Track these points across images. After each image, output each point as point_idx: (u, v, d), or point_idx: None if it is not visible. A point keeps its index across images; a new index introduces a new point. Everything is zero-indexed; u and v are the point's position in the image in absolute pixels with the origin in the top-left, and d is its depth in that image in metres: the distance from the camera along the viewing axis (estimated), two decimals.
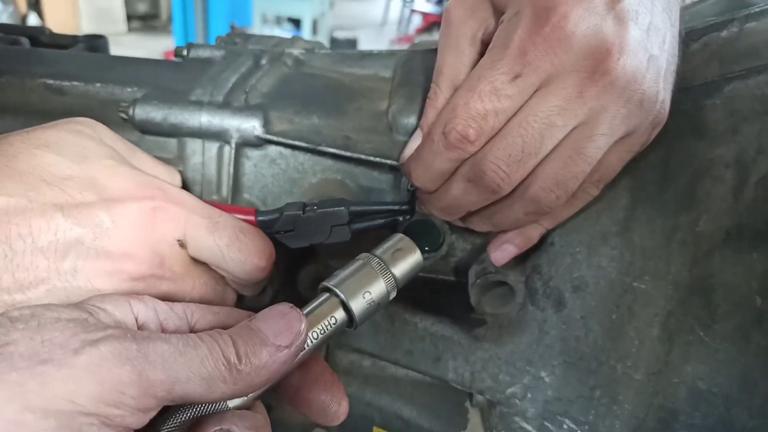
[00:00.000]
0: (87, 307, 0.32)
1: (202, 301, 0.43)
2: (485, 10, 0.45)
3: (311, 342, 0.36)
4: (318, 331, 0.37)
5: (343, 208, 0.48)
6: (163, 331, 0.35)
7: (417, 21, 7.25)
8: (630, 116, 0.40)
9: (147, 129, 0.54)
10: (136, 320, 0.34)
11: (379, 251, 0.41)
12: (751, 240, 0.45)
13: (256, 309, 0.36)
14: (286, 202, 0.56)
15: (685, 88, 0.47)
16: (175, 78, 0.57)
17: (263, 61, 0.61)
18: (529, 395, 0.50)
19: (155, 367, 0.29)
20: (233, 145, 0.54)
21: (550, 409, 0.49)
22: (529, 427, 0.50)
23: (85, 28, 6.08)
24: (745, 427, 0.46)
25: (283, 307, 0.34)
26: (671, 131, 0.45)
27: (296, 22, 5.74)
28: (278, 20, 5.91)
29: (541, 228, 0.48)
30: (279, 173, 0.56)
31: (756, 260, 0.45)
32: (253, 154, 0.55)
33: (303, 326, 0.34)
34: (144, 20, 6.72)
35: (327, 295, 0.39)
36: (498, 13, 0.44)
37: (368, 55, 0.61)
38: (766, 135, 0.46)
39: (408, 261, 0.41)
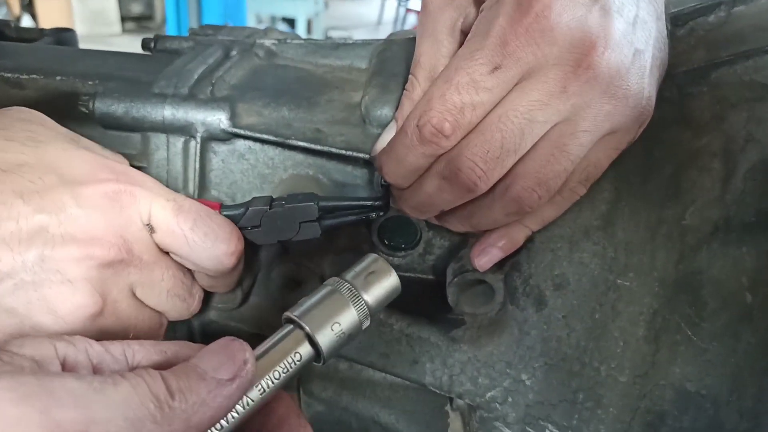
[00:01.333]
0: (9, 351, 0.27)
1: (168, 295, 0.41)
2: None
3: (273, 381, 0.32)
4: (280, 370, 0.32)
5: (312, 203, 0.46)
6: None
7: (412, 20, 7.24)
8: (614, 113, 0.38)
9: (108, 123, 0.52)
10: (63, 364, 0.28)
11: (349, 275, 0.37)
12: (740, 233, 0.43)
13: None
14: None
15: (669, 74, 0.45)
16: (140, 70, 0.55)
17: (233, 53, 0.58)
18: (509, 399, 0.47)
19: (63, 405, 0.24)
20: (199, 140, 0.51)
21: (532, 414, 0.47)
22: None
23: (79, 29, 6.03)
24: (735, 430, 0.44)
25: (225, 340, 0.31)
26: (655, 120, 0.43)
27: (291, 22, 5.72)
28: (273, 20, 5.89)
29: (526, 230, 0.46)
30: (248, 168, 0.53)
31: (745, 254, 0.43)
32: (221, 148, 0.53)
33: (247, 356, 0.30)
34: (138, 21, 6.69)
35: (291, 327, 0.34)
36: (478, 1, 0.41)
37: (343, 45, 0.59)
38: (755, 122, 0.44)
39: (383, 285, 0.37)
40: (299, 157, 0.53)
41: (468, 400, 0.49)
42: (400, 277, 0.54)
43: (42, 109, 0.54)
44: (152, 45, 0.61)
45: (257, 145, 0.53)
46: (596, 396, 0.45)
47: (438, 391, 0.50)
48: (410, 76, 0.44)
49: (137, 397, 0.26)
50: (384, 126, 0.47)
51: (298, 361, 0.33)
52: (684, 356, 0.44)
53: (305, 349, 0.34)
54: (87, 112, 0.51)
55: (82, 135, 0.54)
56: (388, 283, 0.38)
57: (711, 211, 0.43)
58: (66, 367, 0.29)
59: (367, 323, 0.36)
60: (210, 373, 0.29)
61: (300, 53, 0.60)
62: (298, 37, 0.62)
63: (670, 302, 0.44)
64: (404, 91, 0.44)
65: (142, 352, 0.32)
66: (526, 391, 0.47)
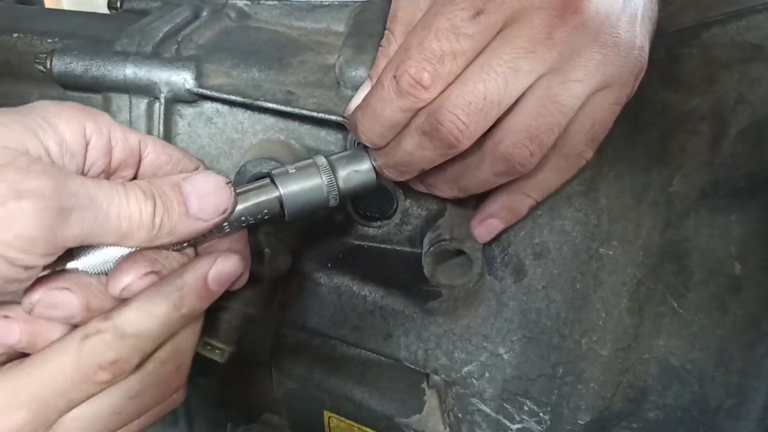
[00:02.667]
0: (35, 122, 0.31)
1: None
2: None
3: (239, 226, 0.38)
4: (248, 216, 0.38)
5: None
6: (112, 159, 0.35)
7: None
8: (605, 62, 0.36)
9: (67, 83, 0.49)
10: (87, 145, 0.33)
11: (333, 156, 0.41)
12: (729, 199, 0.41)
13: None
14: (224, 164, 0.52)
15: (658, 35, 0.42)
16: (103, 29, 0.52)
17: (203, 13, 0.55)
18: (486, 374, 0.45)
19: (72, 227, 0.29)
20: (163, 101, 0.48)
21: (510, 389, 0.45)
22: (487, 409, 0.46)
23: None
24: (720, 406, 0.42)
25: (220, 181, 0.35)
26: (642, 82, 0.41)
27: None
28: None
29: (529, 200, 0.43)
30: (216, 133, 0.51)
31: (734, 222, 0.41)
32: (187, 111, 0.50)
33: (230, 206, 0.35)
34: None
35: (267, 181, 0.39)
36: None
37: (319, 8, 0.56)
38: (747, 83, 0.41)
39: (358, 175, 0.41)
40: (270, 120, 0.50)
41: (444, 376, 0.47)
42: (375, 248, 0.52)
43: None
44: (118, 5, 0.58)
45: (225, 108, 0.50)
46: (577, 370, 0.43)
47: (413, 367, 0.48)
48: (386, 31, 0.41)
49: (131, 222, 0.31)
50: (358, 87, 0.44)
51: (265, 214, 0.38)
52: (669, 329, 0.42)
53: (273, 206, 0.39)
54: (45, 71, 0.48)
55: (41, 96, 0.52)
56: (363, 174, 0.41)
57: (699, 177, 0.41)
58: (88, 148, 0.33)
59: (334, 203, 0.40)
60: (193, 210, 0.34)
61: (274, 15, 0.57)
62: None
63: (654, 272, 0.42)
64: (379, 47, 0.42)
65: (152, 146, 0.37)
66: (504, 365, 0.45)
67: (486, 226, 0.43)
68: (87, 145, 0.33)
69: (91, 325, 0.32)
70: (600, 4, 0.34)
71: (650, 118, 0.43)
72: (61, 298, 0.32)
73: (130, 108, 0.49)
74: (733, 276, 0.41)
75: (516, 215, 0.44)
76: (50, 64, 0.48)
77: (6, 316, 0.32)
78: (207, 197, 0.34)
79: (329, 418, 0.55)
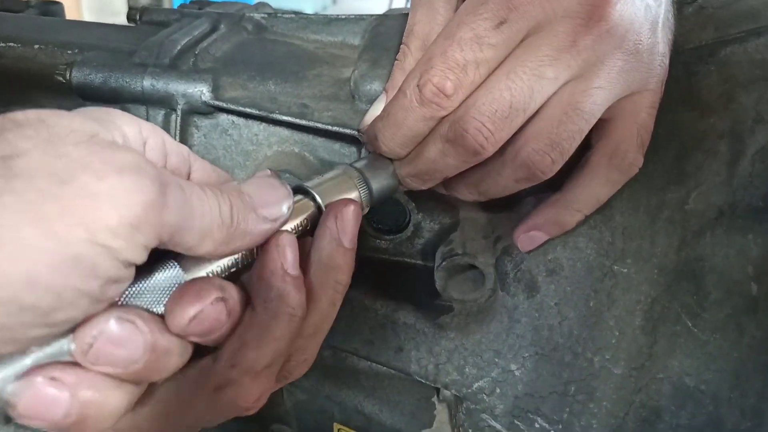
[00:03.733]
0: (96, 115, 0.29)
1: None
2: None
3: None
4: (290, 229, 0.35)
5: None
6: (167, 163, 0.33)
7: None
8: (628, 69, 0.36)
9: (86, 94, 0.50)
10: (145, 144, 0.31)
11: (357, 164, 0.40)
12: (746, 219, 0.40)
13: None
14: (239, 175, 0.52)
15: (676, 52, 0.42)
16: (122, 41, 0.53)
17: (221, 26, 0.56)
18: (497, 390, 0.45)
19: (171, 212, 0.26)
20: (179, 112, 0.49)
21: (521, 406, 0.45)
22: (498, 426, 0.46)
23: (86, 18, 6.05)
24: (736, 428, 0.42)
25: (273, 181, 0.33)
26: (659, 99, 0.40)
27: None
28: None
29: (579, 214, 0.42)
30: (231, 145, 0.51)
31: (751, 242, 0.41)
32: (203, 123, 0.51)
33: (290, 204, 0.33)
34: None
35: (301, 196, 0.38)
36: None
37: (335, 21, 0.57)
38: (765, 102, 0.41)
39: (384, 182, 0.41)
40: (284, 133, 0.50)
41: (454, 391, 0.47)
42: (387, 261, 0.52)
43: (18, 78, 0.52)
44: (137, 17, 0.59)
45: (241, 120, 0.50)
46: (589, 388, 0.43)
47: (423, 381, 0.48)
48: (402, 45, 0.42)
49: (212, 216, 0.29)
50: (373, 101, 0.44)
51: (305, 225, 0.36)
52: (683, 349, 0.42)
53: (315, 220, 0.37)
54: (64, 81, 0.49)
55: (59, 107, 0.52)
56: (388, 179, 0.41)
57: (716, 196, 0.41)
58: (145, 150, 0.32)
59: (366, 211, 0.40)
60: (259, 210, 0.32)
61: (290, 28, 0.57)
62: (289, 12, 0.60)
63: (669, 290, 0.41)
64: (395, 61, 0.42)
65: (197, 162, 0.36)
66: (515, 381, 0.45)
67: (530, 237, 0.43)
68: (144, 144, 0.32)
69: (221, 375, 0.30)
70: (624, 12, 0.34)
71: (667, 136, 0.43)
72: (126, 332, 0.26)
73: (147, 119, 0.49)
74: (749, 296, 0.41)
75: (562, 229, 0.43)
76: (69, 75, 0.49)
77: (53, 378, 0.25)
78: (269, 196, 0.33)
79: (339, 430, 0.55)
